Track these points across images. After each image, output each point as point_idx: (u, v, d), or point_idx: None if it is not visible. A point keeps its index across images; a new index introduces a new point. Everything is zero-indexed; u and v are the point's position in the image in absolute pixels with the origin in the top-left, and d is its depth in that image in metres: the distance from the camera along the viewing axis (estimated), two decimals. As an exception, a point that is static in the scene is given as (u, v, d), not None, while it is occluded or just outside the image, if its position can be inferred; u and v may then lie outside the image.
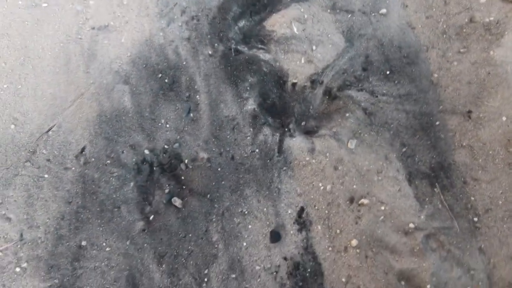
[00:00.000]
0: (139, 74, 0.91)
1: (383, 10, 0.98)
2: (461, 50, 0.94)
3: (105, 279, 0.74)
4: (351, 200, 0.83)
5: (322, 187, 0.84)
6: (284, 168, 0.85)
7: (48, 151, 0.82)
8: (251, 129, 0.88)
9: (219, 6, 0.98)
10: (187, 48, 0.94)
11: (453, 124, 0.91)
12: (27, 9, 0.95)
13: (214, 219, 0.80)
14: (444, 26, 0.97)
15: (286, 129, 0.90)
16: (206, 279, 0.75)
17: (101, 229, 0.77)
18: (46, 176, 0.80)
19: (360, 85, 0.93)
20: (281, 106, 0.92)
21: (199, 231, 0.79)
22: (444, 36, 0.96)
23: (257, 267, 0.77)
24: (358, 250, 0.79)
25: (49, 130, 0.83)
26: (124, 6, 0.96)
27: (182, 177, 0.83)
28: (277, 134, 0.88)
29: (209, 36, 0.96)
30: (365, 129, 0.89)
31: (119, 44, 0.93)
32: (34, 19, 0.94)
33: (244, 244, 0.78)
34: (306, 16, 0.98)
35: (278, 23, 0.99)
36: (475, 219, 0.82)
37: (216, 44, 0.96)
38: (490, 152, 0.87)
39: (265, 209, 0.81)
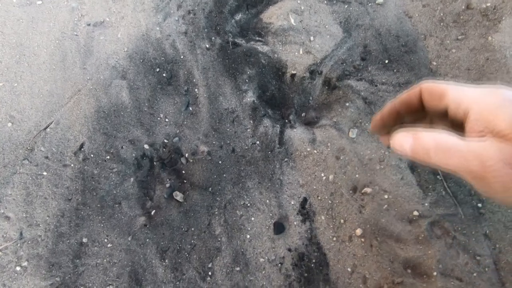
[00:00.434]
0: (137, 69, 0.90)
1: (380, 0, 0.98)
2: (459, 37, 0.94)
3: (108, 275, 0.72)
4: (354, 189, 0.82)
5: (324, 177, 0.83)
6: (286, 159, 0.84)
7: (46, 148, 0.81)
8: (251, 121, 0.87)
9: (215, 0, 0.98)
10: (184, 42, 0.94)
11: (453, 111, 0.91)
12: (21, 7, 0.94)
13: (216, 212, 0.79)
14: (441, 14, 0.97)
15: (287, 121, 0.89)
16: (210, 273, 0.74)
17: (102, 225, 0.76)
18: (44, 173, 0.78)
19: (359, 74, 0.93)
20: (281, 97, 0.91)
21: (202, 225, 0.78)
22: (442, 24, 0.96)
23: (262, 259, 0.76)
24: (362, 240, 0.78)
25: (46, 127, 0.82)
26: (119, 1, 0.96)
27: (183, 171, 0.82)
28: (278, 125, 0.88)
29: (206, 30, 0.96)
30: (365, 118, 0.88)
31: (115, 39, 0.93)
32: (29, 17, 0.93)
33: (248, 236, 0.77)
34: (303, 8, 0.98)
35: (275, 15, 0.98)
36: (479, 205, 0.82)
37: (213, 38, 0.95)
38: (492, 138, 0.87)
39: (267, 201, 0.81)
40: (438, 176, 0.84)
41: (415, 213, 0.80)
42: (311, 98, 0.91)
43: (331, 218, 0.80)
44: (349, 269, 0.76)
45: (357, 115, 0.88)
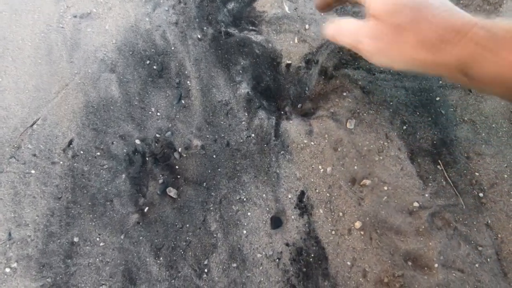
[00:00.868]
0: (126, 61, 0.87)
1: (377, -14, 0.95)
2: (459, 23, 0.91)
3: (100, 275, 0.70)
4: (353, 181, 0.80)
5: (322, 170, 0.81)
6: (282, 152, 0.82)
7: (33, 145, 0.78)
8: (246, 114, 0.85)
9: (207, -12, 0.94)
10: (175, 33, 0.90)
11: (453, 99, 0.88)
12: (4, -1, 0.90)
13: (211, 208, 0.77)
14: (440, -1, 0.94)
15: (282, 112, 0.86)
16: (206, 270, 0.72)
17: (93, 224, 0.74)
18: (33, 171, 0.76)
19: (356, 63, 0.90)
20: (276, 88, 0.89)
21: (197, 221, 0.76)
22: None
23: (259, 255, 0.74)
24: (362, 232, 0.76)
25: (33, 123, 0.79)
26: (106, -9, 0.92)
27: (176, 166, 0.79)
28: (273, 117, 0.85)
29: (197, 20, 0.92)
30: (363, 108, 0.86)
31: (103, 31, 0.89)
32: (11, 9, 0.89)
33: (244, 232, 0.75)
34: (297, -5, 0.94)
35: (268, 3, 0.95)
36: (481, 194, 0.80)
37: (205, 28, 0.92)
38: (493, 126, 0.85)
39: (264, 195, 0.78)
40: (438, 166, 0.82)
41: (415, 204, 0.78)
42: (307, 88, 0.89)
43: (329, 211, 0.78)
44: (348, 263, 0.74)
45: (355, 105, 0.86)
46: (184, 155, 0.80)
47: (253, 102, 0.86)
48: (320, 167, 0.81)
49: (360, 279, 0.73)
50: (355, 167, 0.81)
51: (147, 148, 0.80)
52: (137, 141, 0.80)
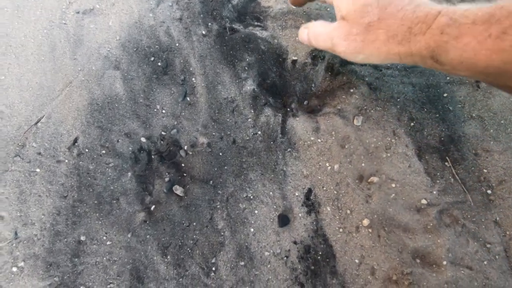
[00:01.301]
0: (130, 58, 0.86)
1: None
2: (467, 18, 0.90)
3: (108, 274, 0.70)
4: (360, 178, 0.80)
5: (329, 167, 0.80)
6: (289, 149, 0.81)
7: (38, 144, 0.77)
8: (252, 111, 0.84)
9: (211, -17, 0.93)
10: (179, 29, 0.89)
11: (461, 95, 0.87)
12: (5, -5, 0.88)
13: (218, 206, 0.76)
14: (448, -6, 0.93)
15: (289, 109, 0.86)
16: (214, 268, 0.72)
17: (100, 222, 0.73)
18: (38, 170, 0.75)
19: (363, 59, 0.89)
20: (282, 85, 0.88)
21: (204, 219, 0.75)
22: (448, 3, 0.92)
23: (267, 253, 0.73)
24: (370, 230, 0.76)
25: (37, 121, 0.78)
26: (109, -13, 0.90)
27: (182, 164, 0.79)
28: (279, 114, 0.84)
29: (201, 15, 0.91)
30: (371, 105, 0.85)
31: (106, 27, 0.88)
32: (14, 5, 0.88)
33: (252, 230, 0.75)
34: (303, -10, 0.93)
35: (274, -2, 0.93)
36: (489, 191, 0.79)
37: (209, 24, 0.91)
38: (502, 122, 0.84)
39: (271, 193, 0.78)
40: (446, 163, 0.81)
41: (423, 201, 0.78)
42: (313, 85, 0.88)
43: (337, 208, 0.77)
44: (356, 261, 0.74)
45: (362, 101, 0.85)
46: (190, 153, 0.80)
47: (259, 99, 0.85)
48: (327, 164, 0.80)
49: (369, 277, 0.73)
50: (363, 164, 0.80)
51: (153, 146, 0.80)
52: (143, 139, 0.80)
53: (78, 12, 0.88)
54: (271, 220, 0.76)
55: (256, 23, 0.91)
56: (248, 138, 0.82)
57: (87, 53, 0.85)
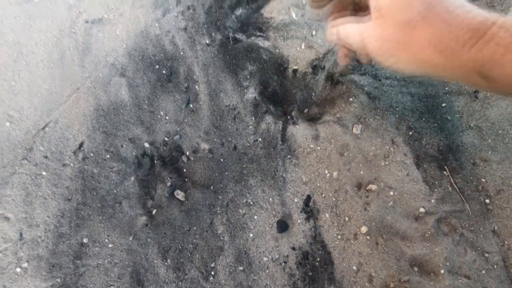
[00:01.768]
0: (136, 66, 0.88)
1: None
2: (465, 30, 0.92)
3: (109, 276, 0.71)
4: (359, 186, 0.81)
5: (328, 174, 0.81)
6: (289, 156, 0.83)
7: (45, 147, 0.79)
8: (253, 118, 0.86)
9: (215, -5, 0.96)
10: (184, 38, 0.92)
11: (459, 105, 0.89)
12: (18, 5, 0.92)
13: (218, 211, 0.78)
14: (446, 6, 0.95)
15: (289, 117, 0.87)
16: (213, 272, 0.73)
17: (102, 225, 0.75)
18: (44, 173, 0.77)
19: (362, 69, 0.91)
20: (283, 93, 0.90)
21: (204, 224, 0.77)
22: (501, 14, 0.94)
23: (265, 258, 0.74)
24: (368, 237, 0.77)
25: (45, 126, 0.81)
26: (117, -3, 0.94)
27: (184, 170, 0.81)
28: (280, 122, 0.86)
29: (206, 26, 0.94)
30: (370, 114, 0.86)
31: (114, 36, 0.91)
32: (26, 15, 0.91)
33: (251, 235, 0.76)
34: (304, 1, 0.96)
35: (276, 9, 0.96)
36: (487, 200, 0.80)
37: (213, 33, 0.93)
38: (500, 132, 0.85)
39: (270, 199, 0.79)
40: (444, 172, 0.82)
41: (421, 210, 0.78)
42: (313, 93, 0.90)
43: (335, 215, 0.78)
44: (354, 268, 0.74)
45: (361, 110, 0.86)
46: (192, 159, 0.82)
47: (260, 106, 0.87)
48: (326, 171, 0.82)
49: (366, 284, 0.73)
50: (361, 172, 0.81)
51: (156, 151, 0.82)
52: (146, 144, 0.82)
53: (87, 22, 0.92)
54: (270, 225, 0.77)
55: (258, 33, 0.94)
56: (248, 144, 0.83)
57: (95, 60, 0.88)
